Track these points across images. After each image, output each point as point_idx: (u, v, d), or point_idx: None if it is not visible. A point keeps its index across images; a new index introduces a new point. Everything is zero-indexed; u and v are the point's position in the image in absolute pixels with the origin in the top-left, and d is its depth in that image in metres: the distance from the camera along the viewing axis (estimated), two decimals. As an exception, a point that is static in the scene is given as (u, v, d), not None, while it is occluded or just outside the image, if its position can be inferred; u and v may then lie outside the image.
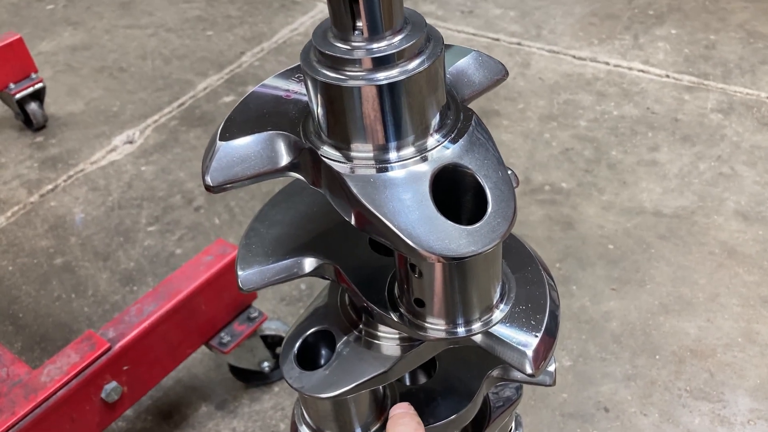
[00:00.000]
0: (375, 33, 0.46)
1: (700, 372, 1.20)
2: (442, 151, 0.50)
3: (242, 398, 1.25)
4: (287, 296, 1.42)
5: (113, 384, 1.01)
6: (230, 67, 2.17)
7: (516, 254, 0.69)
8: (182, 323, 1.09)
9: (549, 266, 1.42)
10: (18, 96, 1.91)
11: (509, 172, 0.67)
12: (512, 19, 2.21)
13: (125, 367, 1.03)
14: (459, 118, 0.53)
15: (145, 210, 1.68)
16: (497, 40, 2.12)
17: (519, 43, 2.09)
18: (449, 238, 0.46)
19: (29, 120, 1.97)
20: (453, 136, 0.51)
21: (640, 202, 1.53)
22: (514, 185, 0.68)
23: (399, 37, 0.47)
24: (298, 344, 0.62)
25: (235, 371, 1.24)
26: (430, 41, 0.49)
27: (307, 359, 0.64)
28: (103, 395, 1.01)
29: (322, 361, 0.64)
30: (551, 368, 0.71)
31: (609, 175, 1.61)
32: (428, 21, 0.54)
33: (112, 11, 2.57)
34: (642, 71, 1.92)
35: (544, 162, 1.67)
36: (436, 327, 0.53)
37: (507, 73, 0.61)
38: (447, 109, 0.52)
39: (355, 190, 0.48)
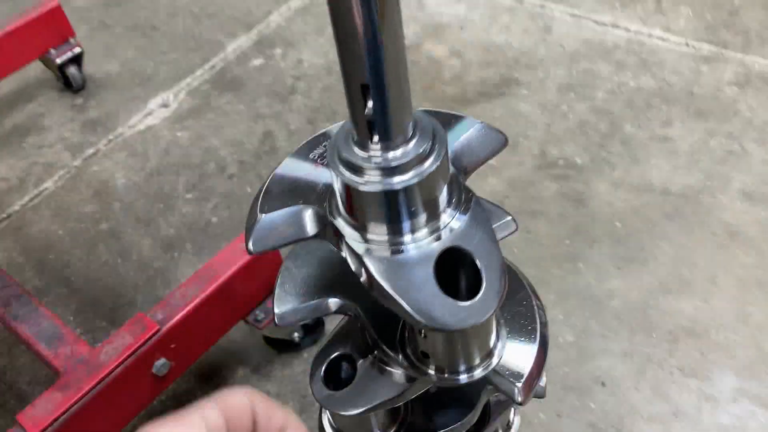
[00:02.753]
0: (389, 145, 0.55)
1: (693, 351, 1.31)
2: (446, 233, 0.60)
3: (275, 363, 1.39)
4: (315, 267, 1.54)
5: (162, 360, 1.15)
6: (258, 27, 2.22)
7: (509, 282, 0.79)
8: (222, 304, 1.21)
9: (559, 243, 1.52)
10: (59, 61, 2.00)
11: (509, 218, 0.77)
12: (537, -22, 2.22)
13: (173, 345, 1.16)
14: (461, 198, 0.62)
15: (182, 177, 1.79)
16: (521, 2, 2.14)
17: (542, 6, 2.11)
18: (449, 313, 0.56)
19: (69, 82, 2.07)
20: (456, 216, 0.60)
21: (649, 179, 1.60)
22: (514, 229, 0.77)
23: (411, 143, 0.56)
24: (324, 367, 0.74)
25: (268, 341, 1.38)
26: (436, 140, 0.58)
27: (332, 374, 0.75)
28: (154, 370, 1.15)
29: (343, 374, 0.76)
30: (542, 383, 0.82)
31: (622, 150, 1.68)
32: None
33: (141, -37, 2.61)
34: (661, 39, 1.95)
35: (560, 135, 1.73)
36: (440, 374, 0.64)
37: (507, 142, 0.69)
38: (451, 191, 0.61)
39: (370, 268, 0.58)
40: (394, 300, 0.57)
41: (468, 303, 0.57)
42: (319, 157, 0.68)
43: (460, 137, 0.67)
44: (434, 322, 0.56)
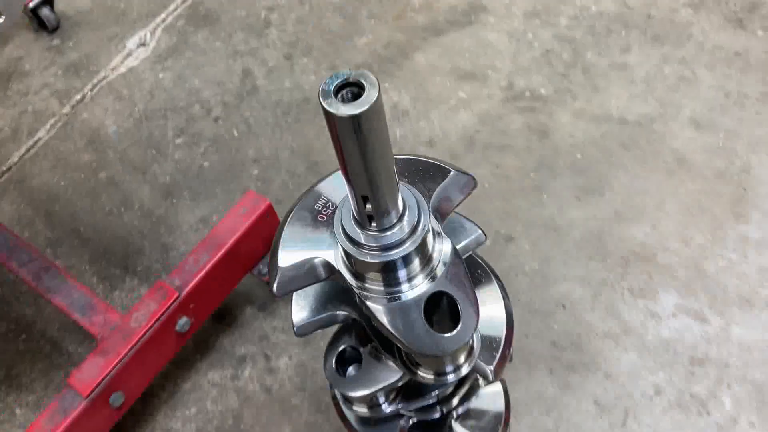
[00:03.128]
0: (386, 230, 0.70)
1: (641, 274, 1.51)
2: (432, 277, 0.75)
3: (278, 302, 1.58)
4: (305, 208, 1.68)
5: (184, 319, 1.32)
6: (226, -48, 2.22)
7: (477, 274, 0.96)
8: (230, 265, 1.37)
9: (525, 176, 1.68)
10: (31, 5, 2.01)
11: (479, 232, 0.91)
12: None
13: (192, 305, 1.33)
14: (441, 245, 0.77)
15: (170, 121, 1.89)
16: None
17: None
18: (436, 344, 0.73)
19: (43, 23, 2.08)
20: (438, 261, 0.76)
21: (608, 109, 1.74)
22: (483, 241, 0.92)
23: (404, 220, 0.70)
24: (335, 357, 0.92)
25: (271, 284, 1.55)
26: (421, 210, 0.72)
27: (341, 360, 0.93)
28: (177, 328, 1.32)
29: (348, 356, 0.94)
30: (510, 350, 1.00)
31: (583, 80, 1.79)
32: None
33: None
34: (624, -44, 2.00)
35: (526, 66, 1.84)
36: (430, 377, 0.82)
37: (476, 184, 0.83)
38: (434, 242, 0.76)
39: (372, 311, 0.74)
40: (393, 335, 0.73)
41: (450, 335, 0.74)
42: (322, 208, 0.81)
43: (438, 188, 0.81)
44: (425, 351, 0.73)
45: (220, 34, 2.04)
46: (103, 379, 1.22)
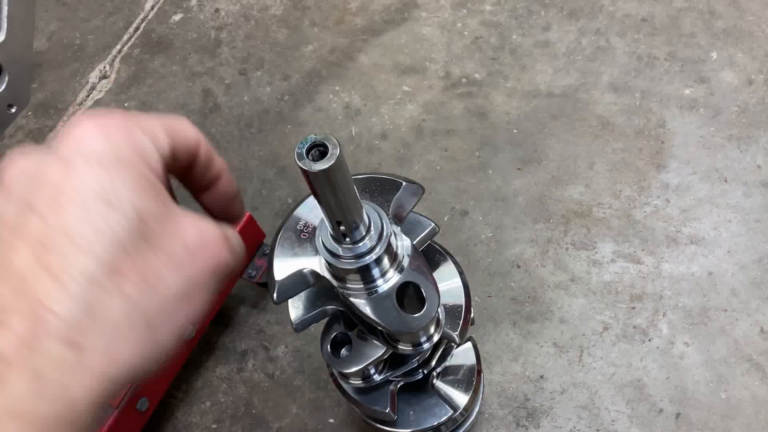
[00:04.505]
0: (358, 242, 0.89)
1: (581, 229, 1.73)
2: (400, 268, 0.94)
3: (268, 299, 1.76)
4: (279, 211, 1.87)
5: (190, 327, 1.50)
6: (167, -23, 2.35)
7: (436, 258, 1.16)
8: (223, 274, 1.56)
9: (471, 155, 1.89)
10: (-7, 54, 2.13)
11: (432, 224, 1.11)
12: None
13: (195, 314, 1.51)
14: (403, 245, 0.96)
15: (142, 147, 2.04)
16: None
17: None
18: (409, 323, 0.93)
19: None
20: (403, 255, 0.95)
21: (536, 85, 1.94)
22: (437, 231, 1.11)
23: (371, 232, 0.89)
24: (329, 343, 1.11)
25: (261, 284, 1.74)
26: (383, 222, 0.92)
27: (335, 343, 1.13)
28: (185, 336, 1.50)
29: (339, 339, 1.13)
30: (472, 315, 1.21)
31: (511, 61, 1.99)
32: None
33: None
34: (535, -61, 2.19)
35: (459, 54, 2.03)
36: (409, 348, 1.02)
37: (424, 190, 1.03)
38: (397, 242, 0.95)
39: (354, 304, 0.93)
40: (373, 320, 0.93)
41: (419, 314, 0.94)
42: (303, 227, 1.00)
43: (393, 198, 1.00)
44: (400, 331, 0.94)
45: (175, 57, 2.19)
46: (129, 389, 1.41)
